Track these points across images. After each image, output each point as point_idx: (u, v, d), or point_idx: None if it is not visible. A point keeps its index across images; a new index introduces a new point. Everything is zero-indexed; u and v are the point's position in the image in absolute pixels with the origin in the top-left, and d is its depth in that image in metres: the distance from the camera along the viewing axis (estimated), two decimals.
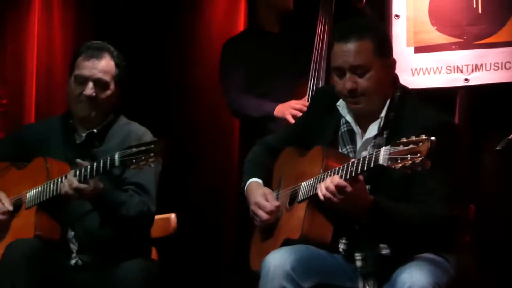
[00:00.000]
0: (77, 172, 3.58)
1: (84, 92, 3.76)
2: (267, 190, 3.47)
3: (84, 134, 3.83)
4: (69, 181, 3.56)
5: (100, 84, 3.77)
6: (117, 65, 3.83)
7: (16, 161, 3.89)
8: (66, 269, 3.70)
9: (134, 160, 3.44)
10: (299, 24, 4.63)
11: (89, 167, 3.55)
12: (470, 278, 3.28)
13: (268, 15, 4.71)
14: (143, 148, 3.44)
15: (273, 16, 4.70)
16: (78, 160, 3.59)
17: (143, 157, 3.43)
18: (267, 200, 3.41)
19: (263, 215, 3.40)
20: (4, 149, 3.96)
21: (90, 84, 3.76)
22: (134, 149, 3.45)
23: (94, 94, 3.76)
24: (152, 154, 3.42)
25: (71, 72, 3.86)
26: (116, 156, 3.49)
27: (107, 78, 3.79)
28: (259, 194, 3.44)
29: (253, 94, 4.58)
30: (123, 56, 3.89)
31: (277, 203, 3.41)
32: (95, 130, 3.81)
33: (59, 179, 3.63)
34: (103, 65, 3.79)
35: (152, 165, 3.45)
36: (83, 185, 3.54)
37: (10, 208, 3.73)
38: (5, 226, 3.75)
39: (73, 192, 3.55)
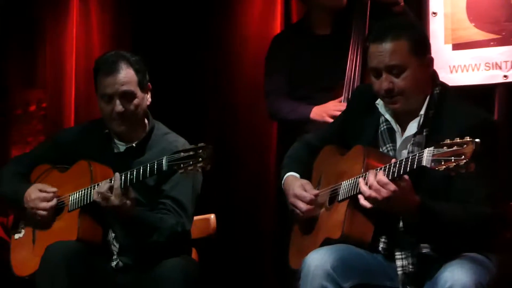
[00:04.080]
0: (123, 176, 3.59)
1: (114, 110, 3.74)
2: (304, 181, 3.47)
3: (122, 147, 3.84)
4: (102, 190, 3.57)
5: (126, 97, 3.74)
6: (137, 71, 3.78)
7: (56, 164, 3.92)
8: (106, 271, 3.72)
9: (182, 165, 3.45)
10: (351, 26, 4.52)
11: (135, 170, 3.56)
12: None
13: (319, 15, 4.60)
14: (191, 153, 3.45)
15: (324, 17, 4.58)
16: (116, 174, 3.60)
17: (191, 162, 3.44)
18: (305, 190, 3.41)
19: (303, 206, 3.39)
20: (45, 152, 3.98)
21: (117, 101, 3.73)
22: (182, 154, 3.46)
23: (123, 109, 3.74)
24: (200, 159, 3.42)
25: (96, 90, 3.84)
26: (164, 161, 3.50)
27: (131, 88, 3.75)
28: (297, 186, 3.44)
29: (297, 96, 4.53)
30: (141, 58, 3.86)
31: (315, 192, 3.40)
32: (134, 145, 3.82)
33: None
34: (123, 77, 3.74)
35: (200, 170, 3.44)
36: (109, 193, 3.54)
37: (54, 189, 3.77)
38: (46, 228, 3.78)
39: (99, 198, 3.57)
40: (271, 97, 4.60)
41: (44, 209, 3.76)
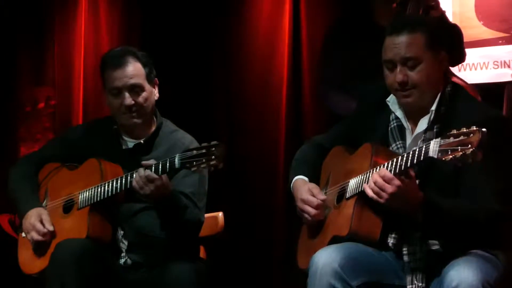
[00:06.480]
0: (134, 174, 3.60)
1: (123, 103, 3.76)
2: (312, 185, 3.46)
3: (130, 144, 3.86)
4: (142, 172, 3.55)
5: (135, 90, 3.77)
6: (144, 64, 3.81)
7: (65, 162, 3.93)
8: (115, 268, 3.73)
9: (194, 163, 3.46)
10: None
11: (142, 170, 3.56)
12: None
13: (379, 4, 4.55)
14: (204, 151, 3.45)
15: (384, 6, 4.51)
16: (144, 162, 3.60)
17: (203, 160, 3.44)
18: (313, 195, 3.40)
19: (310, 210, 3.38)
20: (54, 150, 3.99)
21: (126, 94, 3.76)
22: (195, 152, 3.46)
23: (132, 102, 3.76)
24: (213, 157, 3.42)
25: (104, 85, 3.86)
26: (176, 159, 3.50)
27: (139, 81, 3.78)
28: (305, 190, 3.42)
29: (349, 87, 4.46)
30: (148, 53, 3.89)
31: (323, 197, 3.39)
32: (142, 141, 3.83)
33: (114, 181, 3.66)
34: (131, 70, 3.77)
35: (212, 168, 3.44)
36: (155, 175, 3.53)
37: (51, 228, 3.74)
38: (56, 227, 3.77)
39: (143, 183, 3.54)
40: (324, 86, 4.61)
41: (31, 238, 3.76)
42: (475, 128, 2.85)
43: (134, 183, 3.57)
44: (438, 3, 4.25)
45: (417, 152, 3.03)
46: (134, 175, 3.58)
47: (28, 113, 5.47)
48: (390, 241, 3.25)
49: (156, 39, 5.37)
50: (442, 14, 4.30)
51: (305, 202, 3.40)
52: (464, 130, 2.88)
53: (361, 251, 3.21)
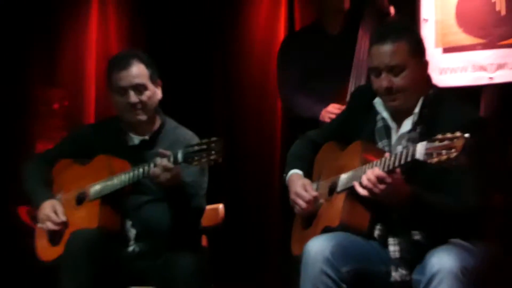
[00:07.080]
0: (140, 169, 3.75)
1: (128, 101, 3.89)
2: (306, 181, 3.56)
3: (136, 140, 3.97)
4: (159, 161, 3.66)
5: (139, 89, 3.89)
6: (147, 66, 3.93)
7: (76, 158, 4.05)
8: (124, 256, 3.85)
9: (195, 158, 3.60)
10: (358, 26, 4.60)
11: (152, 163, 3.70)
12: (497, 263, 3.19)
13: (327, 15, 4.71)
14: (204, 146, 3.59)
15: (333, 17, 4.70)
16: (161, 150, 3.71)
17: (204, 155, 3.59)
18: (306, 191, 3.50)
19: (302, 203, 3.49)
20: (65, 148, 4.12)
21: (131, 92, 3.88)
22: (196, 147, 3.60)
23: (137, 100, 3.89)
24: (213, 152, 3.58)
25: (110, 86, 3.97)
26: (179, 154, 3.65)
27: (143, 80, 3.90)
28: (299, 185, 3.53)
29: (310, 92, 4.59)
30: (151, 56, 4.00)
31: (315, 194, 3.49)
32: (147, 137, 3.96)
33: (121, 175, 3.81)
34: (135, 70, 3.89)
35: (213, 162, 3.60)
36: (171, 165, 3.63)
37: (64, 218, 3.86)
38: (70, 217, 3.88)
39: (161, 171, 3.64)
40: (285, 90, 4.71)
41: (47, 227, 3.88)
42: (459, 134, 2.93)
43: (151, 172, 3.67)
44: (391, 11, 4.46)
45: (404, 154, 3.11)
46: (153, 164, 3.68)
47: (44, 112, 5.48)
48: (376, 232, 3.34)
49: (160, 43, 5.43)
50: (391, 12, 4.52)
51: (298, 195, 3.52)
52: (449, 135, 2.95)
53: (350, 240, 3.30)
